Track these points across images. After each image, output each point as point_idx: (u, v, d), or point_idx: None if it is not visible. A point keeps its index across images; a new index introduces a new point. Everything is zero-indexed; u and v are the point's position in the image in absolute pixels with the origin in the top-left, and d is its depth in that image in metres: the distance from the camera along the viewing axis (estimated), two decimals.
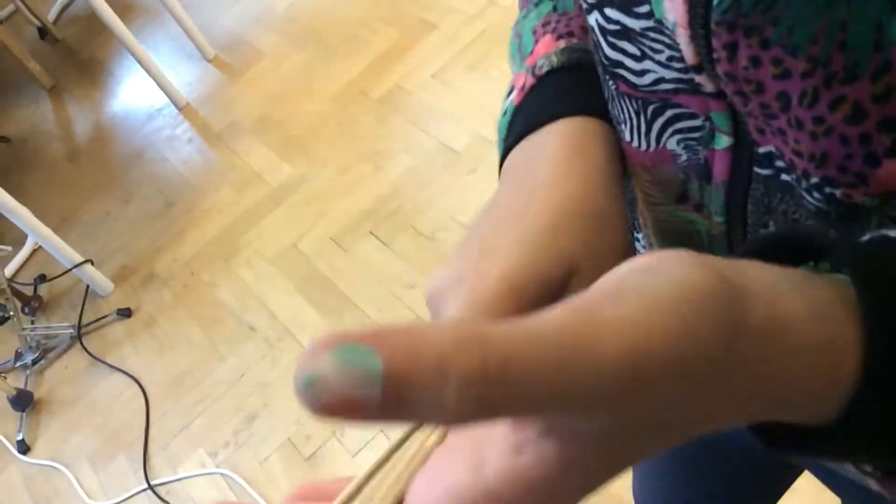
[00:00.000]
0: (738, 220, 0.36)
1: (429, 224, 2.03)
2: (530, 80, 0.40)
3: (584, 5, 0.35)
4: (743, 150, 0.33)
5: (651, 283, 0.20)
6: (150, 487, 1.81)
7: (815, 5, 0.25)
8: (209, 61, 2.84)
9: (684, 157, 0.36)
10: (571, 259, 0.31)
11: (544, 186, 0.33)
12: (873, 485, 0.26)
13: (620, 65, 0.35)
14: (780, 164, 0.31)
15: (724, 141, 0.33)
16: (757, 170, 0.33)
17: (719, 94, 0.31)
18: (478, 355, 0.17)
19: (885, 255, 0.24)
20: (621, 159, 0.38)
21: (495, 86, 2.22)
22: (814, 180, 0.30)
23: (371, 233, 2.08)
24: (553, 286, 0.30)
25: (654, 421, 0.20)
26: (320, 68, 2.59)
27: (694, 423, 0.21)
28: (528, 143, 0.37)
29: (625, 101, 0.36)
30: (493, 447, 0.22)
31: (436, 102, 2.30)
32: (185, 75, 2.84)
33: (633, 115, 0.36)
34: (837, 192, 0.29)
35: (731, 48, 0.28)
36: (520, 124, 0.39)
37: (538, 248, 0.30)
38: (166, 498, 1.78)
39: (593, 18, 0.35)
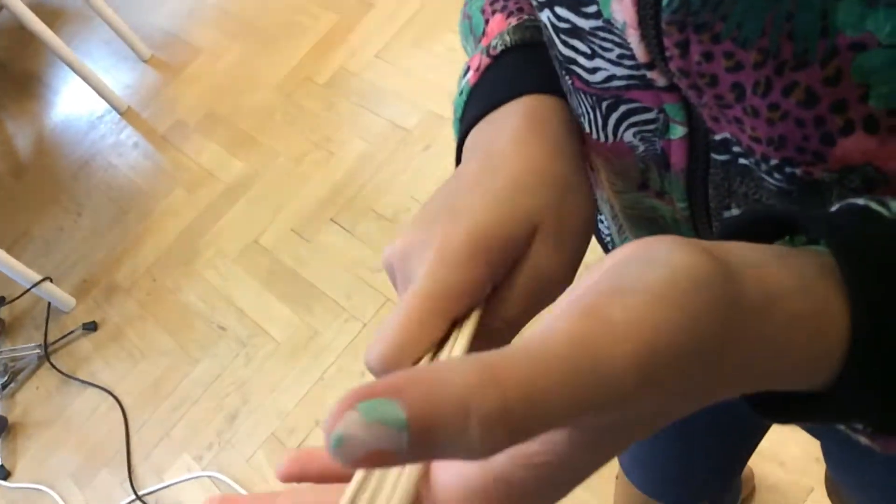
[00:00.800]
0: (700, 204, 0.37)
1: (389, 206, 2.03)
2: (486, 61, 0.41)
3: (535, 3, 0.36)
4: (698, 138, 0.33)
5: (650, 276, 0.21)
6: (138, 498, 1.80)
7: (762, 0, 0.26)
8: (146, 62, 2.78)
9: (641, 149, 0.36)
10: (534, 218, 0.32)
11: (505, 156, 0.34)
12: (863, 440, 0.27)
13: (573, 62, 0.35)
14: (736, 149, 0.32)
15: (678, 131, 0.34)
16: (714, 156, 0.34)
17: (672, 88, 0.32)
18: (497, 395, 0.18)
19: (857, 223, 0.25)
20: (579, 134, 0.39)
21: (440, 61, 2.22)
22: (773, 162, 0.31)
23: (332, 220, 2.07)
24: (518, 244, 0.31)
25: (659, 407, 0.21)
26: (261, 58, 2.56)
27: (693, 402, 0.22)
28: (486, 122, 0.38)
29: (581, 96, 0.37)
30: None
31: (382, 82, 2.28)
32: (122, 79, 2.78)
33: (589, 109, 0.37)
34: (797, 171, 0.30)
35: (683, 45, 0.29)
36: (477, 104, 0.40)
37: (502, 209, 0.31)
38: None
39: (545, 16, 0.35)
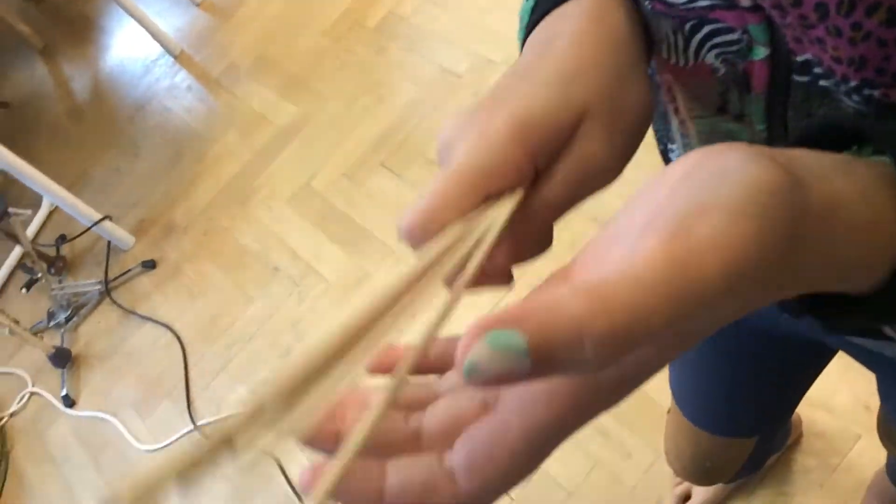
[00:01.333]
0: (778, 126, 0.37)
1: None
2: None
3: None
4: (780, 60, 0.34)
5: (727, 191, 0.23)
6: (197, 428, 1.89)
7: None
8: (198, 6, 2.80)
9: (723, 71, 0.37)
10: (584, 105, 0.31)
11: (561, 47, 0.34)
12: None
13: None
14: (817, 70, 0.33)
15: (761, 52, 0.34)
16: (795, 77, 0.34)
17: (756, 8, 0.33)
18: (605, 319, 0.20)
19: None
20: (644, 33, 0.38)
21: (492, 4, 2.21)
22: (853, 83, 0.31)
23: (382, 165, 2.10)
24: (564, 130, 0.31)
25: (733, 312, 0.24)
26: (310, 2, 2.56)
27: (759, 304, 0.25)
28: (548, 19, 0.37)
29: (661, 21, 0.37)
30: None
31: (432, 26, 2.28)
32: (175, 22, 2.81)
33: (669, 33, 0.37)
34: (876, 93, 0.31)
35: None
36: (543, 6, 0.39)
37: (549, 94, 0.31)
38: None
39: None
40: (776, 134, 0.38)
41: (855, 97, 0.32)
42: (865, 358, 0.57)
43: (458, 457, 0.25)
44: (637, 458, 1.48)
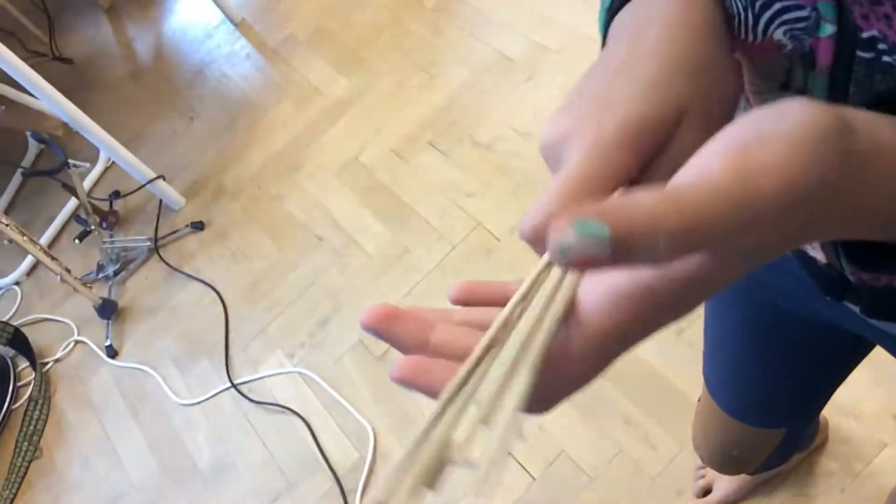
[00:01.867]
0: (840, 102, 0.37)
1: (487, 134, 2.07)
2: None
3: None
4: (846, 37, 0.35)
5: (784, 127, 0.25)
6: (234, 385, 1.95)
7: None
8: None
9: (789, 47, 0.38)
10: (684, 104, 0.33)
11: (656, 41, 0.35)
12: None
13: None
14: (882, 46, 0.34)
15: (828, 29, 0.36)
16: (860, 53, 0.35)
17: None
18: (677, 217, 0.23)
19: None
20: (729, 19, 0.40)
21: None
22: None
23: (430, 144, 2.12)
24: (667, 130, 0.33)
25: (784, 237, 0.26)
26: None
27: (803, 237, 0.27)
28: (635, 3, 0.39)
29: None
30: None
31: (490, 10, 2.29)
32: None
33: (741, 9, 0.39)
34: None
35: None
36: None
37: (653, 96, 0.33)
38: (249, 395, 1.92)
39: None
40: None
41: None
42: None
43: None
44: (661, 449, 1.49)
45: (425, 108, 2.19)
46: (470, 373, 0.28)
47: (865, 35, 0.34)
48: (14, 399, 2.22)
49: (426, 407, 1.71)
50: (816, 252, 0.48)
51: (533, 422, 1.61)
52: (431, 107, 2.19)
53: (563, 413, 1.60)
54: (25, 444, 2.12)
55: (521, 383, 0.27)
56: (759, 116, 0.26)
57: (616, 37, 0.39)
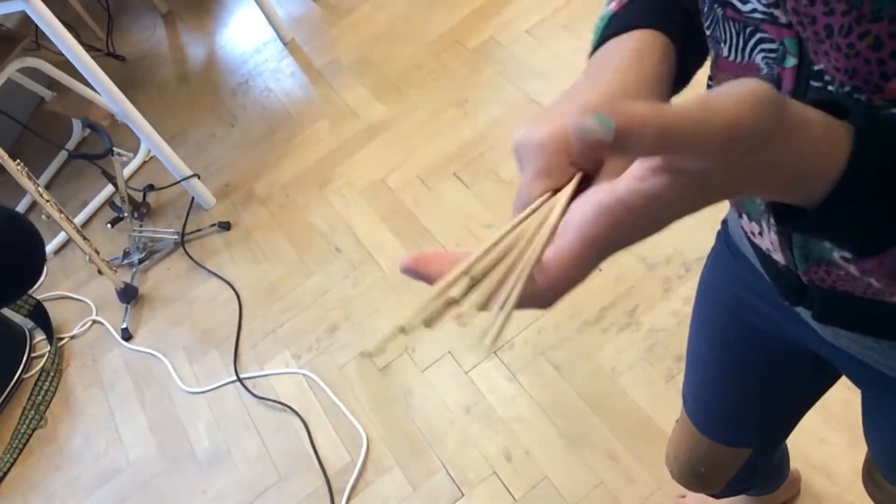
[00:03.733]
0: None
1: (510, 172, 2.17)
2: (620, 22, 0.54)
3: None
4: (804, 69, 0.45)
5: (738, 88, 0.33)
6: (239, 379, 2.03)
7: None
8: (315, 1, 3.00)
9: (765, 71, 0.48)
10: None
11: (606, 79, 0.48)
12: (853, 269, 0.39)
13: None
14: (826, 78, 0.44)
15: (791, 61, 0.46)
16: (812, 82, 0.45)
17: (790, 25, 0.44)
18: (660, 120, 0.31)
19: (877, 112, 0.38)
20: (672, 67, 0.51)
21: (586, 47, 2.32)
22: (847, 89, 0.42)
23: (455, 174, 2.23)
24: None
25: (726, 175, 0.34)
26: (420, 16, 2.73)
27: (743, 181, 0.35)
28: (609, 43, 0.52)
29: (728, 24, 0.49)
30: (624, 178, 0.36)
31: (527, 57, 2.42)
32: (292, 12, 3.01)
33: (734, 34, 0.49)
34: (862, 97, 0.42)
35: None
36: (609, 30, 0.53)
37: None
38: (253, 390, 1.99)
39: None
40: None
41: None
42: (855, 371, 0.66)
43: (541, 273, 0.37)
44: (640, 485, 1.56)
45: (454, 141, 2.30)
46: (472, 266, 0.35)
47: (816, 68, 0.44)
48: (27, 369, 2.31)
49: (421, 423, 1.78)
50: (777, 255, 0.57)
51: (520, 446, 1.68)
52: (460, 140, 2.29)
53: (551, 441, 1.67)
54: (32, 412, 2.20)
55: (518, 284, 0.35)
56: (726, 83, 0.35)
57: (585, 73, 0.51)
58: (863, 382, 0.68)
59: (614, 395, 1.69)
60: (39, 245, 1.00)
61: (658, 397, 1.65)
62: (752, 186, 0.36)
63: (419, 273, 0.39)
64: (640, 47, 0.50)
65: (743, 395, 0.86)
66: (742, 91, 0.33)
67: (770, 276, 0.62)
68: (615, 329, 1.77)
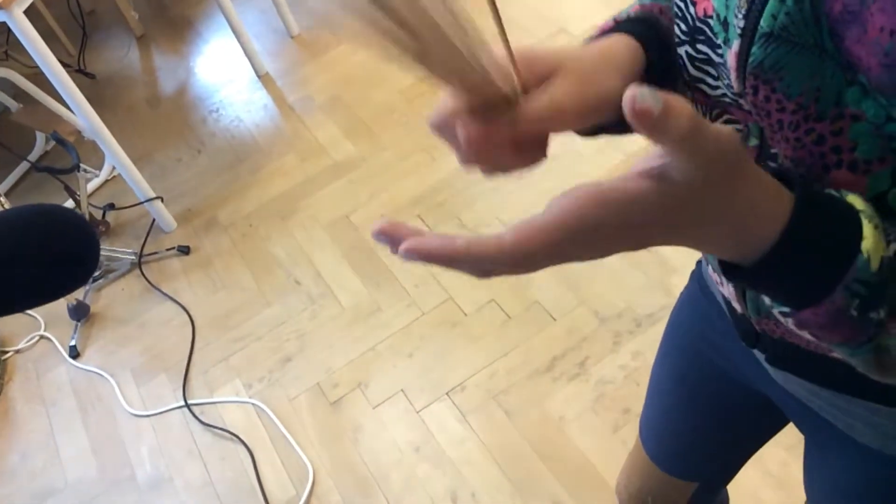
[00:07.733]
0: None
1: (473, 218, 2.22)
2: (609, 24, 0.58)
3: (677, 39, 0.53)
4: (764, 149, 0.50)
5: (727, 126, 0.39)
6: (187, 405, 2.01)
7: (805, 75, 0.44)
8: (292, 38, 3.05)
9: None
10: (561, 63, 0.48)
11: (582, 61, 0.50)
12: (791, 324, 0.44)
13: (701, 81, 0.53)
14: (780, 160, 0.49)
15: (753, 141, 0.51)
16: (769, 162, 0.51)
17: (752, 112, 0.49)
18: (691, 120, 0.36)
19: (818, 188, 0.43)
20: (634, 71, 0.54)
21: None
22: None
23: (419, 217, 2.27)
24: (546, 67, 0.48)
25: (700, 193, 0.39)
26: (394, 62, 2.79)
27: (699, 230, 0.40)
28: (591, 43, 0.55)
29: (697, 107, 0.55)
30: (612, 180, 0.40)
31: None
32: (268, 46, 3.06)
33: (702, 114, 0.55)
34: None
35: (755, 88, 0.46)
36: (595, 38, 0.56)
37: (545, 50, 0.48)
38: (200, 417, 1.98)
39: (683, 50, 0.53)
40: None
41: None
42: (802, 417, 0.71)
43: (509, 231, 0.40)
44: None
45: (420, 185, 2.35)
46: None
47: (772, 150, 0.50)
48: None
49: (370, 459, 1.79)
50: (735, 304, 0.62)
51: (467, 488, 1.70)
52: (426, 184, 2.35)
53: (497, 485, 1.69)
54: None
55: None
56: (718, 127, 0.40)
57: None
58: (807, 428, 0.73)
59: (561, 443, 1.73)
60: (92, 237, 1.01)
61: (604, 447, 1.69)
62: (708, 226, 0.41)
63: (390, 237, 0.42)
64: (605, 47, 0.53)
65: (696, 427, 0.90)
66: (731, 128, 0.40)
67: (732, 318, 0.68)
68: (565, 378, 1.82)
